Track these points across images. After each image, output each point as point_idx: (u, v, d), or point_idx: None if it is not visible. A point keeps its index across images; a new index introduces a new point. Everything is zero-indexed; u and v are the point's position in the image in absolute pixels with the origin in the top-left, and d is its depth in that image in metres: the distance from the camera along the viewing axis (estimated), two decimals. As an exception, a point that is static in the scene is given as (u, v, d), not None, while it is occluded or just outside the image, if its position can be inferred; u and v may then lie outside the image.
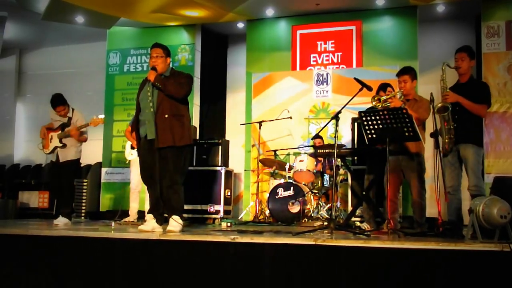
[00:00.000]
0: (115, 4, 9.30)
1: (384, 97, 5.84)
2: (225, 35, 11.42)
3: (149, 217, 5.44)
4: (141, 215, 7.55)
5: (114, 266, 4.70)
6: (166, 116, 5.34)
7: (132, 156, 7.56)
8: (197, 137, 8.83)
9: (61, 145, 7.01)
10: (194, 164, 8.58)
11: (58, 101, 7.09)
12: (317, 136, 8.65)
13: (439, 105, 5.28)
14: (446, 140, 5.29)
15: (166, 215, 5.58)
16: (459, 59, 5.46)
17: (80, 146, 7.19)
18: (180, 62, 10.49)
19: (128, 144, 7.70)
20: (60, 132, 7.05)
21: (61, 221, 6.77)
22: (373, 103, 5.85)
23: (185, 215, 7.83)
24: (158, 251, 4.61)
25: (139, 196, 7.60)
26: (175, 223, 5.29)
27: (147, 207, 7.46)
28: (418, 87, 8.87)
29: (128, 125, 7.79)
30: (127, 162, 7.76)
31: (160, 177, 5.38)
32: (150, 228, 5.28)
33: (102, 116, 7.06)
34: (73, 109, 7.19)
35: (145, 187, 7.45)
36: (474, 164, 5.22)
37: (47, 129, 7.16)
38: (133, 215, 7.54)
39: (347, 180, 7.86)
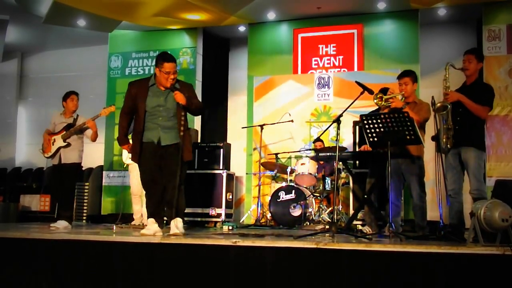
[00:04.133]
0: (116, 8, 9.32)
1: (387, 96, 5.83)
2: (227, 39, 11.43)
3: (151, 221, 5.38)
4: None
5: (115, 270, 4.70)
6: (186, 129, 5.40)
7: (130, 159, 7.54)
8: (199, 141, 8.86)
9: (65, 144, 6.98)
10: (196, 167, 8.58)
11: (74, 91, 7.21)
12: (318, 139, 8.65)
13: (439, 104, 5.28)
14: (444, 140, 5.28)
15: (166, 218, 5.58)
16: (466, 61, 5.44)
17: (82, 151, 7.16)
18: (181, 65, 10.50)
19: (126, 147, 7.70)
20: (64, 132, 7.03)
21: (61, 224, 6.73)
22: (375, 100, 5.84)
23: (186, 218, 7.86)
24: (160, 255, 4.60)
25: (140, 199, 7.60)
26: (180, 225, 5.25)
27: (145, 211, 7.46)
28: (420, 90, 8.88)
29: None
30: (125, 166, 7.73)
31: (165, 180, 5.34)
32: (152, 232, 5.24)
33: (112, 106, 7.14)
34: (78, 114, 7.19)
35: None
36: (476, 168, 5.20)
37: (49, 133, 7.16)
38: (138, 218, 7.54)
39: (348, 183, 7.85)
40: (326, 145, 8.67)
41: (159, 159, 5.39)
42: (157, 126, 5.39)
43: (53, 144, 7.05)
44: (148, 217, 5.49)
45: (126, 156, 7.58)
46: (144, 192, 7.38)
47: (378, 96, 5.82)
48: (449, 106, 5.22)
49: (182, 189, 5.38)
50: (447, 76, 5.40)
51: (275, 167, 8.64)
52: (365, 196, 6.17)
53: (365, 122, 5.44)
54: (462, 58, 5.53)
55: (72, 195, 7.29)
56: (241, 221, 8.84)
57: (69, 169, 7.00)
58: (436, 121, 5.38)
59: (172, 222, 5.28)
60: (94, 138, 7.11)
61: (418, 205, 5.82)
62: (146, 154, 5.43)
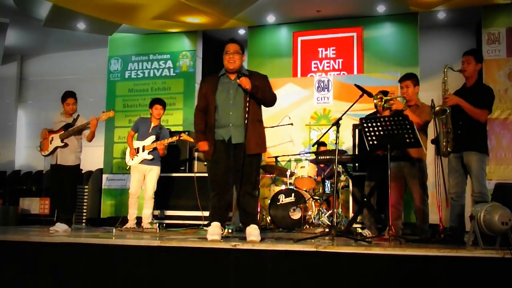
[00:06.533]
0: (116, 11, 9.33)
1: (387, 98, 5.81)
2: (226, 42, 11.41)
3: (217, 226, 5.05)
4: (139, 221, 7.51)
5: (115, 273, 4.69)
6: (255, 121, 5.13)
7: (133, 161, 7.50)
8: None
9: (62, 144, 6.94)
10: (196, 170, 8.57)
11: (70, 94, 7.13)
12: (322, 143, 8.61)
13: (438, 108, 5.27)
14: (444, 143, 5.27)
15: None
16: (465, 62, 5.42)
17: (80, 152, 7.13)
18: (181, 68, 10.51)
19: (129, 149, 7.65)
20: (63, 132, 7.01)
21: (60, 227, 6.71)
22: (375, 101, 5.83)
23: (187, 222, 7.85)
24: (159, 258, 4.60)
25: (137, 201, 7.58)
26: (256, 231, 4.99)
27: (146, 213, 7.43)
28: (419, 93, 8.87)
29: (130, 130, 7.75)
30: (127, 168, 7.70)
31: (240, 183, 5.05)
32: (219, 237, 4.97)
33: (111, 110, 7.13)
34: (78, 115, 7.17)
35: (144, 192, 7.50)
36: (478, 171, 5.19)
37: (48, 131, 7.14)
38: (131, 221, 7.51)
39: (348, 186, 7.84)
40: (328, 148, 8.67)
41: (232, 159, 5.09)
42: (228, 123, 5.10)
43: (50, 143, 7.02)
44: (212, 220, 5.10)
45: (129, 158, 7.54)
46: (141, 194, 7.36)
47: (378, 96, 5.80)
48: (448, 110, 5.22)
49: (255, 192, 5.18)
50: (445, 78, 5.39)
51: (275, 170, 8.63)
52: (365, 199, 6.17)
53: (365, 125, 5.43)
54: (461, 61, 5.52)
55: (72, 198, 7.25)
56: (240, 224, 8.82)
57: (68, 172, 6.98)
58: (436, 124, 5.38)
59: (248, 229, 5.05)
60: (90, 139, 7.04)
61: (420, 208, 5.80)
62: (217, 153, 5.11)
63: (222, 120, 5.14)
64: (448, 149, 5.25)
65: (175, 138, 7.54)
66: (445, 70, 5.39)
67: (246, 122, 5.01)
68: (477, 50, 5.52)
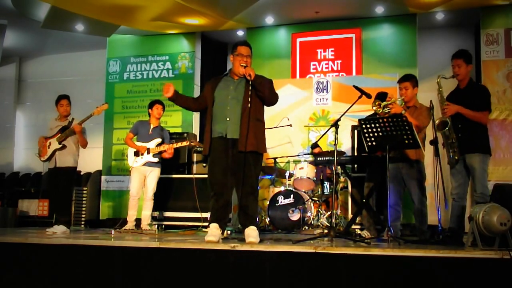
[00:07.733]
0: (115, 12, 9.32)
1: (385, 103, 5.83)
2: (225, 43, 11.44)
3: (215, 227, 5.02)
4: (138, 222, 7.49)
5: (114, 274, 4.69)
6: (254, 119, 5.04)
7: (137, 163, 7.44)
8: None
9: (60, 146, 6.97)
10: (195, 172, 8.57)
11: (64, 96, 7.20)
12: (315, 145, 8.61)
13: (437, 121, 5.29)
14: (451, 154, 5.29)
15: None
16: (455, 66, 5.44)
17: (77, 154, 7.15)
18: (180, 70, 10.51)
19: (131, 151, 7.59)
20: (60, 135, 7.02)
21: (58, 229, 6.71)
22: (374, 108, 5.85)
23: (186, 223, 7.84)
24: (158, 259, 4.60)
25: (138, 203, 7.57)
26: (255, 233, 4.95)
27: (145, 214, 7.42)
28: (418, 94, 8.88)
29: (128, 132, 7.72)
30: (131, 170, 7.63)
31: (238, 183, 4.99)
32: (217, 239, 4.93)
33: (105, 104, 7.17)
34: (73, 118, 7.18)
35: (144, 194, 7.49)
36: (480, 172, 5.22)
37: (45, 138, 7.16)
38: (131, 223, 7.50)
39: (347, 187, 7.84)
40: (325, 149, 8.66)
41: (231, 159, 5.03)
42: (225, 117, 5.04)
43: (48, 147, 7.05)
44: (211, 222, 5.08)
45: (133, 159, 7.48)
46: (141, 196, 7.35)
47: (376, 103, 5.82)
48: (449, 122, 5.24)
49: (256, 193, 5.14)
50: (440, 89, 5.42)
51: (274, 171, 8.63)
52: (364, 200, 6.17)
53: (364, 126, 5.44)
54: (451, 65, 5.51)
55: (69, 199, 7.26)
56: (239, 226, 8.82)
57: (65, 173, 7.00)
58: (435, 126, 5.38)
59: (247, 230, 5.01)
60: (82, 144, 7.10)
61: (419, 209, 5.81)
62: (214, 152, 5.09)
63: (219, 114, 5.10)
64: (456, 157, 5.28)
65: (185, 143, 7.56)
66: (438, 80, 5.41)
67: (241, 117, 4.98)
68: (465, 50, 5.51)
